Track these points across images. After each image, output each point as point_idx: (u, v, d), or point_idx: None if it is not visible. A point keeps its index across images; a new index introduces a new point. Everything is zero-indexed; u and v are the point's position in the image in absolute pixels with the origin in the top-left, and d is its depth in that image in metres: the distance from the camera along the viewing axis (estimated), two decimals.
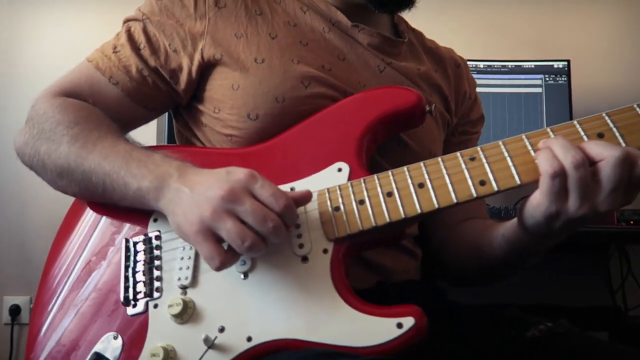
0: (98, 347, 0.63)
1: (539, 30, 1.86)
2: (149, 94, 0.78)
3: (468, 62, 0.95)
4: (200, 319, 0.61)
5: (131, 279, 0.65)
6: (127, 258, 0.67)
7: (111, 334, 0.63)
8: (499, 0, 1.86)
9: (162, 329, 0.62)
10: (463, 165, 0.61)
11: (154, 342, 0.61)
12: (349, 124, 0.69)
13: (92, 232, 0.73)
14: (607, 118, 0.59)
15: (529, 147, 0.60)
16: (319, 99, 0.73)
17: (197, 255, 0.65)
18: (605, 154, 0.54)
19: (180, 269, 0.64)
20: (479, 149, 0.62)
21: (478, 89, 0.96)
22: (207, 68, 0.76)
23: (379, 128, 0.70)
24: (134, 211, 0.70)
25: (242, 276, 0.62)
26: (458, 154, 0.62)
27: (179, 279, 0.64)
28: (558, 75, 1.67)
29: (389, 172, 0.64)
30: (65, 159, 0.69)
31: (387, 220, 0.61)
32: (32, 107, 0.76)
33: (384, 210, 0.61)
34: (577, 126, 0.60)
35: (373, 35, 0.80)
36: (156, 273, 0.65)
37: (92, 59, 0.78)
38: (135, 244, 0.68)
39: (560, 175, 0.54)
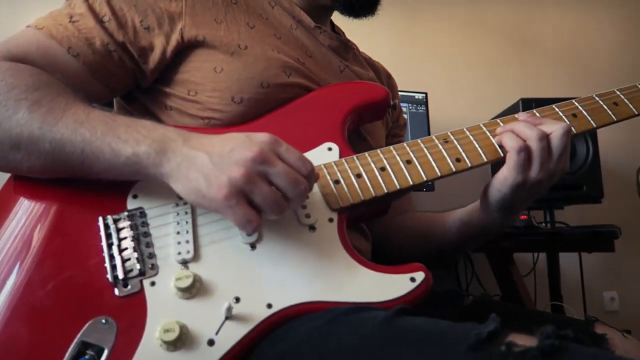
0: (84, 336, 0.54)
1: (402, 61, 2.14)
2: (112, 70, 0.72)
3: None
4: (210, 291, 0.58)
5: (118, 258, 0.59)
6: (109, 236, 0.60)
7: (99, 318, 0.55)
8: (369, 31, 2.11)
9: (164, 307, 0.57)
10: (440, 146, 0.71)
11: (157, 321, 0.55)
12: (331, 110, 0.74)
13: (45, 215, 0.62)
14: (577, 104, 0.76)
15: (488, 134, 0.73)
16: (298, 88, 0.76)
17: (195, 229, 0.62)
18: (552, 128, 0.69)
19: (179, 243, 0.60)
20: (449, 133, 0.73)
21: None
22: (185, 49, 0.73)
23: (356, 115, 0.76)
24: (105, 189, 0.63)
25: (249, 247, 0.61)
26: (433, 137, 0.72)
27: (179, 253, 0.60)
28: (418, 105, 1.94)
29: (378, 151, 0.70)
30: (25, 127, 0.60)
31: (385, 191, 0.67)
32: None
33: (380, 182, 0.67)
34: (556, 109, 0.75)
35: (332, 38, 0.87)
36: (147, 250, 0.60)
37: (42, 26, 0.69)
38: (115, 221, 0.61)
39: (525, 149, 0.68)
